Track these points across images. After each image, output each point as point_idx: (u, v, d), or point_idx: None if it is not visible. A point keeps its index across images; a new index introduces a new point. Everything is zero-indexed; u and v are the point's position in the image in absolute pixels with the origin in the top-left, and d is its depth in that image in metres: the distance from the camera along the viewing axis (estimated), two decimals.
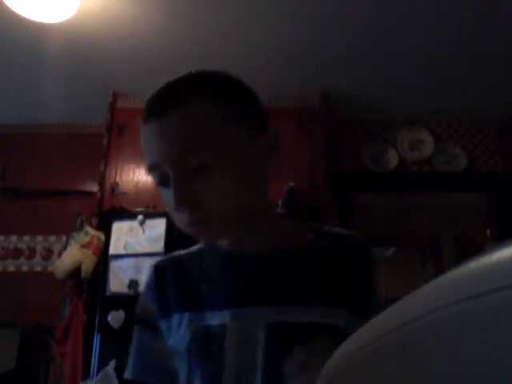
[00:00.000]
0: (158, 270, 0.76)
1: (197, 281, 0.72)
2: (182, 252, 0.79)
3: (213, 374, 0.63)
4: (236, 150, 0.64)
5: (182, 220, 0.64)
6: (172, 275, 0.73)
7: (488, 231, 2.98)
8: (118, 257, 2.39)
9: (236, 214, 0.64)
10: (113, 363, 1.65)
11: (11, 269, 3.11)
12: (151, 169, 0.64)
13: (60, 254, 2.83)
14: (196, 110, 0.62)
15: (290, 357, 0.61)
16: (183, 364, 0.67)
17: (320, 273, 0.69)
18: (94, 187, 2.95)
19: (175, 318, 0.69)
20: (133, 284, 2.31)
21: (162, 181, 0.63)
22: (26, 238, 3.16)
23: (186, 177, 0.61)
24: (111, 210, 2.60)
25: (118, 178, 2.84)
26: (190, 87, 0.64)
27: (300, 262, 0.70)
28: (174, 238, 2.36)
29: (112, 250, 2.40)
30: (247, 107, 0.67)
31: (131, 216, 2.46)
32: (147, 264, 2.32)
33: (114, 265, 2.38)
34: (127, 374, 0.73)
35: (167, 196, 0.63)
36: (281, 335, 0.63)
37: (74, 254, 2.49)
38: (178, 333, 0.68)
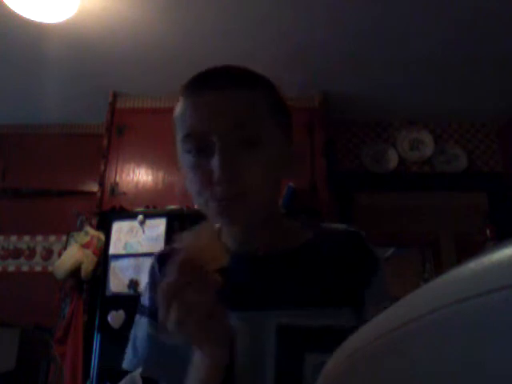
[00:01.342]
0: (159, 260, 0.74)
1: None
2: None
3: (224, 378, 0.60)
4: (276, 140, 0.66)
5: (211, 195, 0.62)
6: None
7: (488, 231, 2.98)
8: (118, 257, 2.39)
9: (263, 200, 0.65)
10: (139, 370, 1.65)
11: (11, 269, 3.11)
12: (191, 137, 0.63)
13: (60, 254, 2.83)
14: (253, 91, 0.65)
15: (303, 361, 0.60)
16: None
17: (324, 272, 0.68)
18: (93, 187, 2.95)
19: None
20: (133, 284, 2.31)
21: (199, 151, 0.63)
22: (26, 237, 3.16)
23: (232, 149, 0.61)
24: (111, 210, 2.60)
25: (118, 177, 2.84)
26: (247, 72, 0.67)
27: (303, 262, 0.69)
28: (174, 238, 2.36)
29: (112, 250, 2.40)
30: (285, 112, 0.71)
31: (131, 216, 2.46)
32: (147, 264, 2.31)
33: (114, 265, 2.38)
34: (128, 366, 0.71)
35: (199, 168, 0.63)
36: (291, 339, 0.62)
37: (73, 254, 2.50)
38: None
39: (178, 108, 0.67)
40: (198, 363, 0.56)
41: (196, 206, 0.70)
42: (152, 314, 0.70)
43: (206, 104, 0.63)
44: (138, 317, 0.74)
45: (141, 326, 0.72)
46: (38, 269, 3.09)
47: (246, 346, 0.62)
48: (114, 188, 2.81)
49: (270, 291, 0.66)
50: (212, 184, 0.62)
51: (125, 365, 0.72)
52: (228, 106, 0.62)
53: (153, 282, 0.74)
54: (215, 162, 0.61)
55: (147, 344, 0.70)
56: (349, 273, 0.68)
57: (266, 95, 0.67)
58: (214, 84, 0.64)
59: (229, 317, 0.60)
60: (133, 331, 0.74)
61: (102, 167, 2.86)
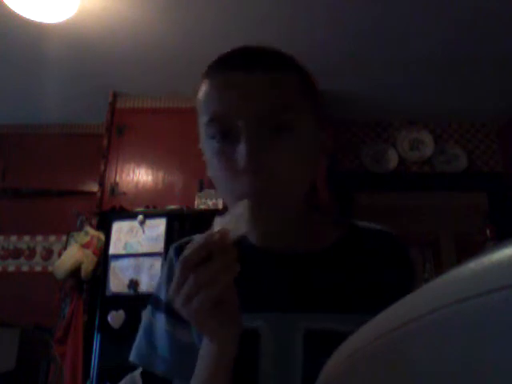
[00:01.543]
0: (178, 252, 0.69)
1: None
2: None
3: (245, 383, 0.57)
4: (309, 126, 0.60)
5: (236, 187, 0.56)
6: None
7: (488, 231, 2.98)
8: (118, 257, 2.39)
9: (295, 194, 0.60)
10: (139, 370, 1.64)
11: (11, 269, 3.11)
12: (215, 122, 0.58)
13: (60, 254, 2.83)
14: (285, 73, 0.60)
15: None
16: None
17: (357, 275, 0.62)
18: (93, 187, 2.95)
19: None
20: (133, 284, 2.31)
21: (224, 136, 0.57)
22: (26, 238, 3.16)
23: (260, 136, 0.55)
24: (111, 210, 2.60)
25: (118, 177, 2.84)
26: (278, 52, 0.62)
27: (335, 263, 0.64)
28: (174, 238, 2.36)
29: (112, 250, 2.40)
30: (318, 96, 0.66)
31: (131, 216, 2.46)
32: (147, 264, 2.32)
33: (114, 265, 2.38)
34: (140, 359, 0.67)
35: (223, 155, 0.57)
36: (319, 345, 0.55)
37: (73, 254, 2.50)
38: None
39: (202, 90, 0.61)
40: (205, 350, 0.53)
41: (221, 199, 0.64)
42: (169, 310, 0.65)
43: (233, 85, 0.58)
44: (150, 309, 0.69)
45: (157, 322, 0.67)
46: (38, 269, 3.09)
47: (272, 350, 0.58)
48: (114, 188, 2.81)
49: (300, 293, 0.61)
50: (237, 174, 0.56)
51: (134, 358, 0.68)
52: (258, 88, 0.57)
53: (170, 275, 0.67)
54: (241, 150, 0.55)
55: (167, 342, 0.65)
56: (383, 277, 0.62)
57: (298, 77, 0.61)
58: (243, 64, 0.59)
59: (247, 314, 0.55)
60: (144, 322, 0.69)
61: (102, 167, 2.86)
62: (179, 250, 0.68)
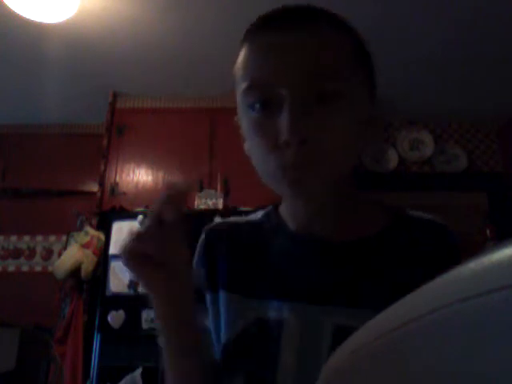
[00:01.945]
0: (211, 236, 0.65)
1: (253, 259, 0.61)
2: (241, 219, 0.67)
3: (262, 378, 0.53)
4: (361, 96, 0.54)
5: (277, 162, 0.51)
6: (226, 245, 0.63)
7: (488, 231, 2.98)
8: (118, 257, 2.39)
9: (342, 171, 0.54)
10: (139, 370, 1.64)
11: (11, 269, 3.11)
12: (254, 89, 0.52)
13: (60, 254, 2.83)
14: (338, 36, 0.53)
15: None
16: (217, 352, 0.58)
17: (399, 269, 0.56)
18: (93, 187, 2.95)
19: (222, 295, 0.60)
20: (133, 284, 2.31)
21: (264, 106, 0.51)
22: (26, 238, 3.16)
23: (305, 105, 0.49)
24: (111, 210, 2.60)
25: (118, 177, 2.84)
26: (327, 13, 0.55)
27: (377, 254, 0.57)
28: None
29: (112, 250, 2.40)
30: (371, 62, 0.59)
31: (131, 216, 2.46)
32: None
33: (114, 265, 2.38)
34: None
35: (262, 128, 0.52)
36: None
37: (73, 254, 2.50)
38: (226, 316, 0.58)
39: (241, 55, 0.55)
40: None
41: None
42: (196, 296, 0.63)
43: (274, 47, 0.51)
44: None
45: None
46: (38, 269, 3.09)
47: (296, 341, 0.53)
48: (114, 188, 2.81)
49: (332, 284, 0.55)
50: (279, 148, 0.50)
51: None
52: (304, 51, 0.50)
53: (199, 263, 0.65)
54: (283, 121, 0.49)
55: None
56: (429, 274, 0.55)
57: (350, 40, 0.54)
58: (288, 23, 0.51)
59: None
60: None
61: (102, 167, 2.86)
62: (210, 236, 0.65)
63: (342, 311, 0.53)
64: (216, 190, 2.66)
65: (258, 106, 0.52)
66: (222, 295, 0.60)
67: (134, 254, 0.46)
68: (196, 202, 2.60)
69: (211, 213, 2.43)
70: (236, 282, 0.60)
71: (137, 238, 0.46)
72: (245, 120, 0.55)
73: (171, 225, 0.46)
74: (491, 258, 0.18)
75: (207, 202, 2.58)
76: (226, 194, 2.61)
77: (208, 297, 0.62)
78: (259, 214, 0.67)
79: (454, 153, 3.23)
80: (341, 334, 0.49)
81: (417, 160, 3.21)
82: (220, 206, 2.54)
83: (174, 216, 0.46)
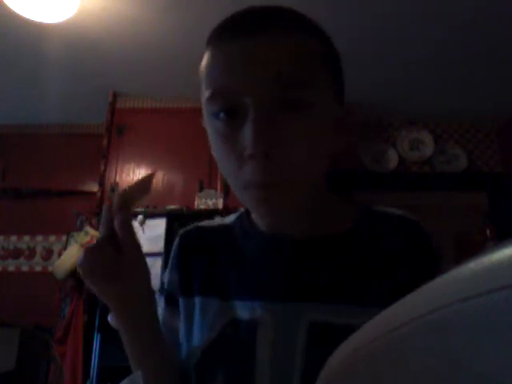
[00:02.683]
0: (185, 240, 0.66)
1: (226, 261, 0.61)
2: (214, 223, 0.68)
3: (241, 378, 0.53)
4: (329, 102, 0.52)
5: (244, 176, 0.49)
6: (199, 249, 0.64)
7: (488, 231, 2.98)
8: None
9: (311, 182, 0.53)
10: (139, 373, 1.64)
11: (11, 269, 3.11)
12: (218, 96, 0.50)
13: (60, 254, 2.83)
14: (305, 38, 0.50)
15: None
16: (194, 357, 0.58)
17: (372, 264, 0.56)
18: (93, 187, 2.95)
19: (198, 301, 0.61)
20: None
21: (228, 114, 0.49)
22: (26, 238, 3.16)
23: (271, 114, 0.47)
24: None
25: (118, 177, 2.84)
26: (293, 15, 0.52)
27: (348, 250, 0.57)
28: (174, 238, 2.36)
29: None
30: (339, 65, 0.56)
31: (131, 216, 2.45)
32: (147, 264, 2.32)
33: None
34: None
35: (228, 139, 0.50)
36: (323, 339, 0.50)
37: (73, 254, 2.50)
38: (203, 320, 0.59)
39: (204, 59, 0.53)
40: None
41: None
42: (167, 295, 0.66)
43: (237, 52, 0.49)
44: (158, 295, 0.68)
45: (159, 303, 0.67)
46: (38, 269, 3.09)
47: (271, 339, 0.53)
48: (114, 188, 2.81)
49: (305, 281, 0.55)
50: (243, 160, 0.49)
51: None
52: (268, 55, 0.48)
53: (173, 262, 0.67)
54: (247, 133, 0.47)
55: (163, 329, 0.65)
56: (401, 268, 0.55)
57: (317, 42, 0.52)
58: (252, 27, 0.49)
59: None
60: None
61: (102, 167, 2.86)
62: (184, 240, 0.67)
63: (315, 308, 0.53)
64: (216, 190, 2.66)
65: (222, 115, 0.50)
66: (197, 300, 0.61)
67: (84, 267, 0.51)
68: (196, 202, 2.60)
69: (211, 213, 2.43)
70: (211, 285, 0.61)
71: (85, 255, 0.51)
72: (209, 127, 0.54)
73: (122, 233, 0.52)
74: (491, 257, 0.18)
75: (207, 201, 2.58)
76: (226, 194, 2.61)
77: (181, 301, 0.63)
78: (232, 218, 0.67)
79: (454, 153, 3.23)
80: (316, 331, 0.52)
81: (417, 160, 3.21)
82: (220, 205, 2.54)
83: (121, 226, 0.53)
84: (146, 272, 0.56)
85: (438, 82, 2.85)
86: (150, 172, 0.56)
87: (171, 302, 0.65)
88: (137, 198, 0.54)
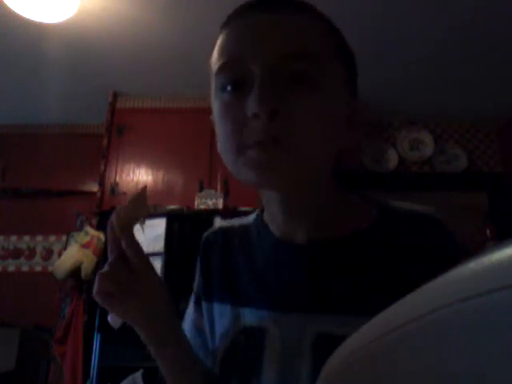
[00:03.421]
0: (206, 245, 0.66)
1: (241, 264, 0.60)
2: (235, 223, 0.66)
3: None
4: (338, 87, 0.51)
5: (243, 141, 0.47)
6: (218, 252, 0.64)
7: (488, 231, 2.98)
8: None
9: (316, 155, 0.49)
10: (140, 371, 1.65)
11: (11, 269, 3.11)
12: (226, 67, 0.49)
13: (60, 254, 2.83)
14: (313, 19, 0.51)
15: None
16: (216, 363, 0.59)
17: (388, 271, 0.51)
18: (93, 187, 2.95)
19: (216, 307, 0.61)
20: None
21: (235, 86, 0.48)
22: (26, 238, 3.17)
23: (276, 79, 0.46)
24: (111, 210, 2.60)
25: (118, 177, 2.84)
26: (314, 6, 0.53)
27: (362, 254, 0.53)
28: (174, 238, 2.36)
29: None
30: (352, 57, 0.57)
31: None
32: None
33: None
34: None
35: (231, 108, 0.48)
36: (330, 349, 0.47)
37: (73, 254, 2.50)
38: (219, 326, 0.59)
39: (215, 46, 0.54)
40: None
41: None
42: (196, 300, 0.66)
43: (248, 28, 0.49)
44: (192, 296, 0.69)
45: (189, 308, 0.68)
46: (38, 269, 3.09)
47: (278, 352, 0.52)
48: (114, 188, 2.81)
49: (314, 290, 0.53)
50: (246, 125, 0.46)
51: None
52: (277, 30, 0.48)
53: (199, 269, 0.67)
54: (252, 95, 0.45)
55: (190, 325, 0.66)
56: (422, 275, 0.49)
57: (326, 25, 0.53)
58: (263, 6, 0.50)
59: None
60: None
61: (102, 167, 2.86)
62: (206, 246, 0.67)
63: (323, 318, 0.51)
64: (216, 190, 2.66)
65: (229, 87, 0.49)
66: (216, 307, 0.61)
67: (101, 294, 0.51)
68: (196, 202, 2.60)
69: (211, 213, 2.43)
70: (226, 291, 0.61)
71: (99, 279, 0.51)
72: (216, 105, 0.52)
73: (132, 252, 0.52)
74: (491, 257, 0.18)
75: (207, 201, 2.58)
76: (226, 194, 2.61)
77: (204, 305, 0.64)
78: (251, 217, 0.65)
79: (454, 153, 3.23)
80: (322, 341, 0.50)
81: (417, 160, 3.21)
82: (220, 205, 2.54)
83: (128, 245, 0.52)
84: (162, 285, 0.56)
85: (438, 82, 2.85)
86: (140, 187, 0.55)
87: (199, 304, 0.66)
88: (136, 215, 0.54)
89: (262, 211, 0.63)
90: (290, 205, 0.54)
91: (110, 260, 0.53)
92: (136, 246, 0.53)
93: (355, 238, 0.54)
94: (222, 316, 0.59)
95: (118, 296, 0.52)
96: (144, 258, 0.54)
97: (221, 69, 0.50)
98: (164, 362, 0.57)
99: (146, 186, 0.56)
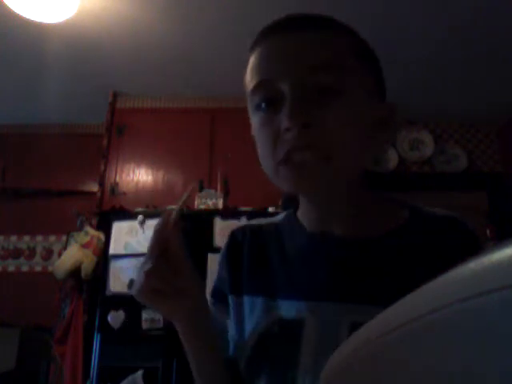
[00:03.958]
0: (235, 239, 0.68)
1: (273, 260, 0.62)
2: (263, 221, 0.69)
3: (283, 377, 0.54)
4: (363, 96, 0.54)
5: (279, 153, 0.51)
6: (248, 248, 0.65)
7: (488, 231, 2.98)
8: (117, 257, 2.39)
9: (351, 162, 0.53)
10: (141, 371, 1.65)
11: (11, 269, 3.11)
12: (259, 88, 0.54)
13: (60, 254, 2.83)
14: (339, 35, 0.55)
15: None
16: (243, 355, 0.60)
17: (418, 267, 0.53)
18: (94, 187, 2.95)
19: (246, 300, 0.62)
20: (133, 284, 2.31)
21: (269, 104, 0.53)
22: (26, 238, 3.16)
23: (305, 95, 0.50)
24: (111, 210, 2.60)
25: (118, 177, 2.84)
26: (329, 18, 0.57)
27: (394, 251, 0.56)
28: None
29: (112, 250, 2.40)
30: (376, 61, 0.61)
31: (131, 216, 2.45)
32: None
33: (114, 265, 2.38)
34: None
35: (267, 125, 0.53)
36: None
37: (73, 254, 2.49)
38: (251, 318, 0.60)
39: (248, 66, 0.57)
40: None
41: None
42: (215, 294, 0.68)
43: (276, 49, 0.53)
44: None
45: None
46: (38, 269, 3.09)
47: (314, 339, 0.54)
48: (114, 188, 2.81)
49: (348, 283, 0.55)
50: (279, 139, 0.51)
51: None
52: (304, 46, 0.52)
53: (223, 266, 0.68)
54: (284, 111, 0.50)
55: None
56: (447, 268, 0.53)
57: (350, 40, 0.56)
58: (289, 28, 0.54)
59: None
60: None
61: (102, 167, 2.86)
62: (234, 240, 0.68)
63: (358, 309, 0.53)
64: (216, 190, 2.66)
65: (263, 105, 0.54)
66: (246, 300, 0.62)
67: (148, 291, 0.51)
68: (196, 202, 2.60)
69: (211, 213, 2.43)
70: (258, 284, 0.62)
71: (146, 277, 0.51)
72: (254, 121, 0.57)
73: (174, 250, 0.53)
74: (491, 257, 0.18)
75: (207, 201, 2.58)
76: (226, 194, 2.61)
77: (230, 299, 0.64)
78: (280, 217, 0.68)
79: (454, 153, 3.23)
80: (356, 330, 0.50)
81: (417, 160, 3.21)
82: (220, 205, 2.54)
83: (174, 241, 0.54)
84: (201, 283, 0.57)
85: (438, 82, 2.85)
86: (190, 187, 0.59)
87: (219, 298, 0.66)
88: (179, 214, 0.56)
89: (295, 211, 0.66)
90: (327, 205, 0.59)
91: (151, 259, 0.52)
92: (182, 245, 0.55)
93: (389, 236, 0.57)
94: (253, 308, 0.60)
95: (166, 293, 0.52)
96: (186, 258, 0.54)
97: (254, 89, 0.55)
98: (199, 357, 0.58)
99: (193, 187, 0.59)
